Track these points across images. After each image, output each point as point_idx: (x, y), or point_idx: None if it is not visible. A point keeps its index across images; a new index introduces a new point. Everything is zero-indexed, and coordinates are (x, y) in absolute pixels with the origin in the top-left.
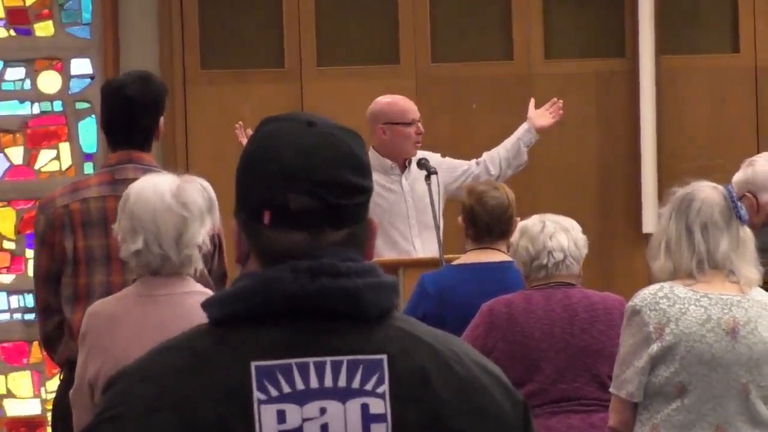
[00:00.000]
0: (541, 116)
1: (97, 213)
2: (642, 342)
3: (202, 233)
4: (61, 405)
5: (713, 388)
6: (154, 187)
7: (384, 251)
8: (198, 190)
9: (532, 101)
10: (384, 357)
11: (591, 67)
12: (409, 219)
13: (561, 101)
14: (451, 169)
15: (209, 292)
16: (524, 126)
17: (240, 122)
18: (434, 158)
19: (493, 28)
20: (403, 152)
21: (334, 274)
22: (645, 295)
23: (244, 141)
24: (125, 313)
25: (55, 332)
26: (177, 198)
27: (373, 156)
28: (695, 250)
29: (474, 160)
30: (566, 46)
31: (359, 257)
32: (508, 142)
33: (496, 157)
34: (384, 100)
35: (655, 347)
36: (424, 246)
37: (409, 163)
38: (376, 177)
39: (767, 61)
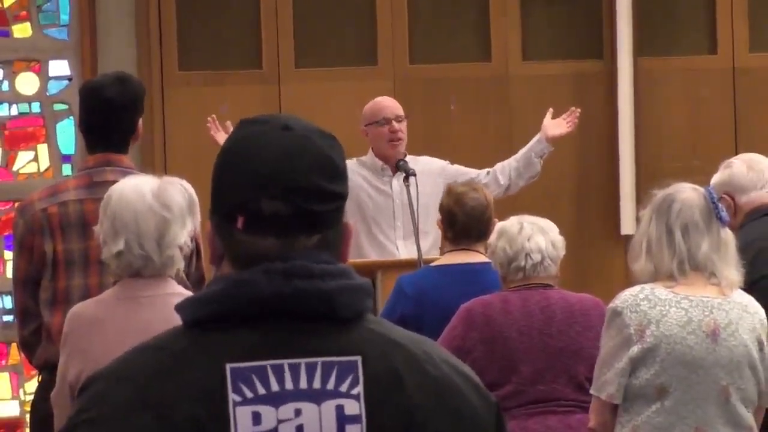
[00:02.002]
0: (554, 126)
1: (75, 216)
2: (623, 344)
3: (183, 234)
4: (40, 407)
5: (693, 390)
6: (135, 188)
7: (368, 251)
8: (179, 190)
9: (550, 111)
10: (358, 358)
11: (569, 69)
12: (394, 220)
13: (578, 110)
14: (457, 176)
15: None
16: (536, 136)
17: (213, 115)
18: (438, 164)
19: (470, 29)
20: (383, 152)
21: (308, 276)
22: (626, 296)
23: (218, 136)
24: (107, 316)
25: (33, 336)
26: (158, 199)
27: (369, 156)
28: (676, 251)
29: (485, 170)
30: (544, 48)
31: (333, 260)
32: (520, 153)
33: (507, 167)
34: (371, 101)
35: (635, 349)
36: (409, 248)
37: (397, 165)
38: (369, 177)
39: (745, 63)
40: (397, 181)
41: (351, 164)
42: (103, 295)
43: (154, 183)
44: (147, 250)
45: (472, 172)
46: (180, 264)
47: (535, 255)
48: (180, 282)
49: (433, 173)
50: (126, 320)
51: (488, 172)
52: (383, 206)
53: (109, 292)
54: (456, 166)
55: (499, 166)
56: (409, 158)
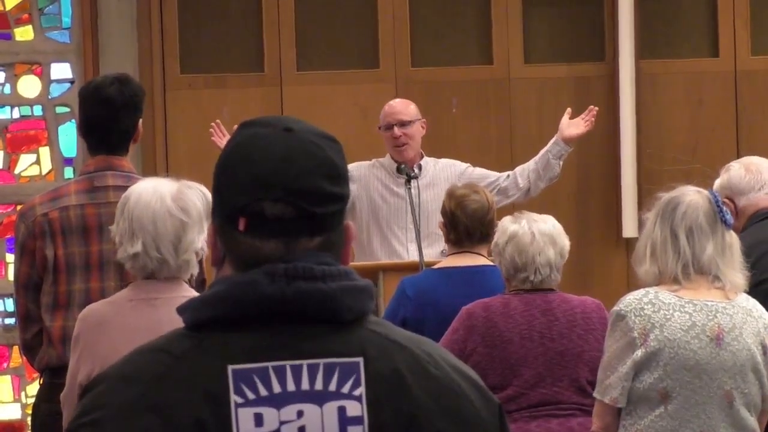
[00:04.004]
0: (571, 126)
1: (76, 221)
2: (626, 347)
3: (200, 239)
4: (41, 410)
5: (697, 394)
6: (154, 190)
7: (380, 253)
8: (198, 195)
9: (568, 111)
10: (360, 360)
11: (570, 72)
12: (407, 223)
13: (596, 108)
14: (477, 179)
15: None
16: (554, 137)
17: (217, 120)
18: (458, 167)
19: (472, 32)
20: (393, 155)
21: (310, 278)
22: (630, 300)
23: (221, 143)
24: (118, 317)
25: (34, 340)
26: (177, 202)
27: (386, 157)
28: (680, 254)
29: (506, 173)
30: (545, 51)
31: (334, 261)
32: (539, 154)
33: (526, 169)
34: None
35: (639, 353)
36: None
37: (419, 168)
38: (384, 178)
39: (746, 65)
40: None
41: (368, 165)
42: (115, 296)
43: (172, 186)
44: (163, 253)
45: (492, 176)
46: (195, 269)
47: (544, 270)
48: None
49: (452, 176)
50: (137, 321)
51: (508, 175)
52: (396, 208)
53: (121, 293)
54: (477, 169)
55: (518, 169)
56: (429, 160)
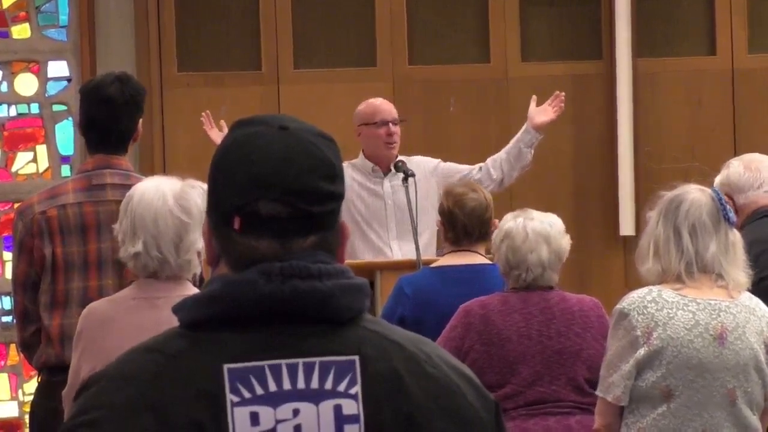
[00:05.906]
0: (540, 113)
1: (74, 219)
2: (629, 346)
3: (202, 239)
4: (39, 408)
5: (700, 393)
6: (157, 189)
7: (361, 252)
8: (200, 194)
9: (534, 99)
10: (356, 358)
11: (568, 70)
12: (387, 222)
13: (563, 93)
14: (450, 173)
15: None
16: (524, 126)
17: (207, 111)
18: (431, 163)
19: (470, 30)
20: (377, 153)
21: (306, 277)
22: (633, 298)
23: (212, 133)
24: (120, 315)
25: (32, 338)
26: (179, 201)
27: (359, 158)
28: (683, 252)
29: (477, 165)
30: (543, 49)
31: (330, 260)
32: (509, 144)
33: (498, 160)
34: (364, 102)
35: (642, 351)
36: (403, 249)
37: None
38: (360, 178)
39: (744, 64)
40: (389, 182)
41: (344, 167)
42: (117, 294)
43: (175, 185)
44: (164, 253)
45: (464, 169)
46: (197, 269)
47: (536, 269)
48: None
49: (427, 173)
50: (140, 320)
51: (480, 168)
52: (375, 208)
53: (124, 291)
54: (448, 164)
55: (490, 160)
56: (401, 158)
